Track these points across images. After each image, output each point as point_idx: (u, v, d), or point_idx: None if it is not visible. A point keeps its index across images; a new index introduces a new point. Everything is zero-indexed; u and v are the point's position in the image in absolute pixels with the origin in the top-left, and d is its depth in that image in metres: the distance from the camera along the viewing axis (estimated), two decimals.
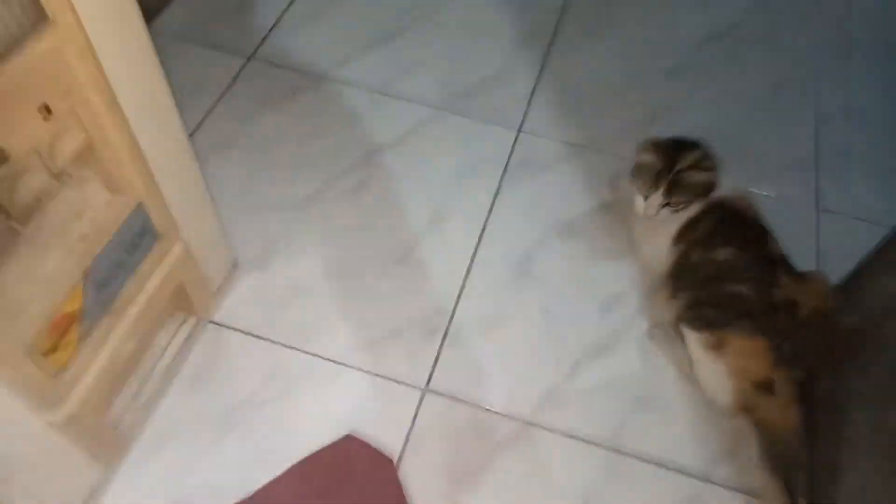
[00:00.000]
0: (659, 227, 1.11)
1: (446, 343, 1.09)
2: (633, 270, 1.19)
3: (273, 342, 1.08)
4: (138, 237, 0.82)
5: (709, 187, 1.08)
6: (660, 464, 1.00)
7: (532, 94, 1.43)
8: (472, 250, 1.20)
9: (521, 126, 1.38)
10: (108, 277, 0.78)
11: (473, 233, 1.22)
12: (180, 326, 1.02)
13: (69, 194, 0.70)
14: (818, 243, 1.25)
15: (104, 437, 0.88)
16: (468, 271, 1.18)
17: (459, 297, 1.15)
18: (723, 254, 1.03)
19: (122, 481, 0.94)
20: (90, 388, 0.80)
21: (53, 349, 0.73)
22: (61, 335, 0.73)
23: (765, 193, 1.28)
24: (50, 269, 0.69)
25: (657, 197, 1.07)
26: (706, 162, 1.07)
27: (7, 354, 0.67)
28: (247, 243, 1.16)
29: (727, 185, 1.10)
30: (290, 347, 1.07)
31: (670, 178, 1.06)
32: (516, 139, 1.36)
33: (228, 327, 1.09)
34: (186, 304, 1.02)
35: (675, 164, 1.07)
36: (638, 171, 1.10)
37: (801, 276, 1.02)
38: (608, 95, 1.43)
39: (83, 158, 0.70)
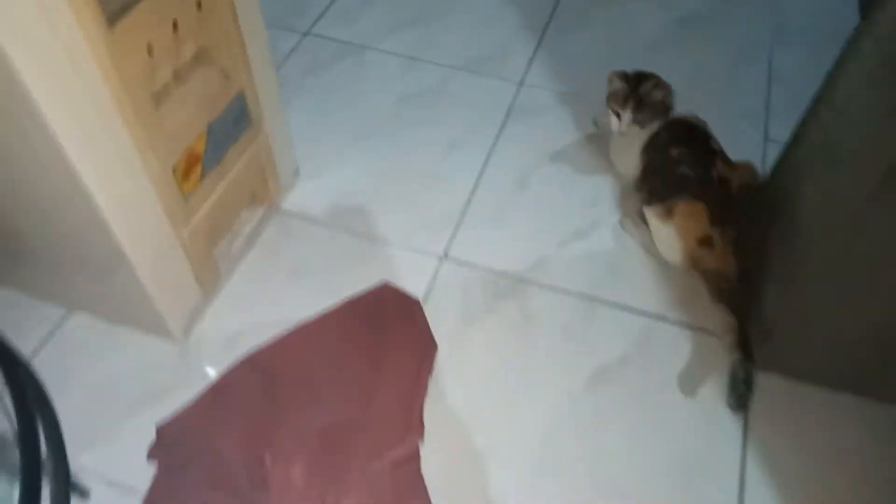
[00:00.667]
0: (630, 144, 1.42)
1: (461, 227, 1.41)
2: (608, 181, 1.50)
3: (327, 225, 1.41)
4: (239, 116, 1.16)
5: (666, 106, 1.39)
6: (624, 308, 1.29)
7: (531, 59, 1.77)
8: (480, 168, 1.52)
9: (522, 81, 1.71)
10: (219, 138, 1.13)
11: (482, 156, 1.55)
12: (258, 209, 1.36)
13: (201, 72, 1.04)
14: (764, 165, 1.54)
15: (208, 265, 1.21)
16: (477, 181, 1.50)
17: (471, 198, 1.46)
18: (675, 151, 1.33)
19: (217, 306, 1.27)
20: (204, 218, 1.14)
21: (186, 176, 1.06)
22: (191, 167, 1.07)
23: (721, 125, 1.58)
24: (190, 115, 1.03)
25: (627, 114, 1.38)
26: (663, 85, 1.39)
27: (161, 171, 1.00)
28: (306, 160, 1.50)
29: (683, 110, 1.41)
30: (341, 230, 1.40)
31: (636, 98, 1.38)
32: (518, 91, 1.69)
33: (293, 214, 1.42)
34: (263, 192, 1.35)
35: (638, 87, 1.39)
36: (611, 95, 1.42)
37: (734, 163, 1.31)
38: (594, 63, 1.75)
39: (204, 55, 1.04)
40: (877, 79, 0.94)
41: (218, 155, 1.14)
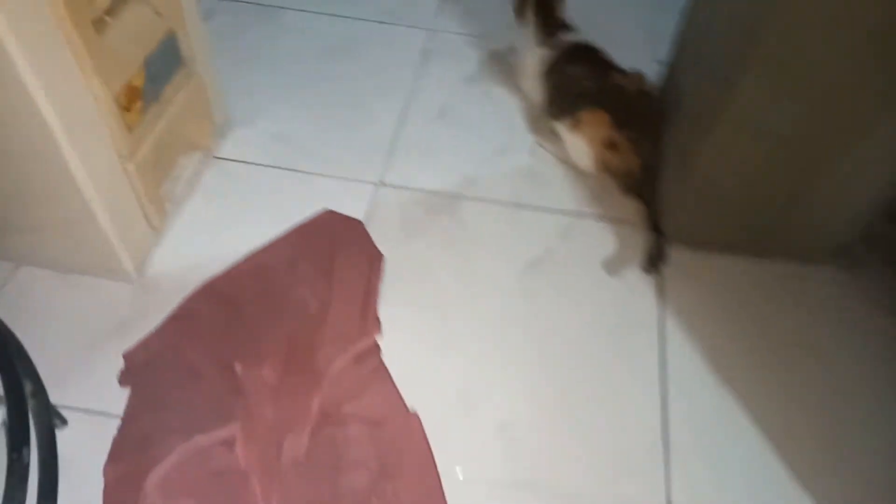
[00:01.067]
0: (534, 70, 1.57)
1: (392, 156, 1.51)
2: (520, 107, 1.64)
3: (265, 166, 1.48)
4: (172, 55, 1.22)
5: (562, 14, 1.54)
6: (546, 209, 1.43)
7: (438, 8, 1.90)
8: (403, 104, 1.63)
9: (432, 27, 1.84)
10: (156, 74, 1.18)
11: (404, 94, 1.66)
12: (196, 154, 1.41)
13: (134, 8, 1.09)
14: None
15: (156, 204, 1.26)
16: (402, 116, 1.60)
17: (398, 130, 1.57)
18: (574, 69, 1.49)
19: (166, 245, 1.32)
20: (148, 152, 1.19)
21: (128, 109, 1.11)
22: (132, 100, 1.12)
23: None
24: (128, 47, 1.08)
25: (531, 20, 1.53)
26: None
27: (105, 98, 1.05)
28: (238, 110, 1.56)
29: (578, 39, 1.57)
30: (279, 169, 1.47)
31: (537, 4, 1.53)
32: (429, 36, 1.81)
33: (230, 159, 1.48)
34: (200, 138, 1.41)
35: None
36: (514, 7, 1.57)
37: (627, 72, 1.48)
38: (494, 6, 1.89)
39: None
40: None
41: (156, 90, 1.19)
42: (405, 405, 1.12)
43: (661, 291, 1.32)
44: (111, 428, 1.08)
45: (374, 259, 1.30)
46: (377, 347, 1.19)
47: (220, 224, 1.37)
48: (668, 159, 1.38)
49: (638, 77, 1.48)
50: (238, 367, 1.12)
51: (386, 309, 1.25)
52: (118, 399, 1.12)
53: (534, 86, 1.58)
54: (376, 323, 1.21)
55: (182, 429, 1.05)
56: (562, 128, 1.47)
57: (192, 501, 0.99)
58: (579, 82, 1.47)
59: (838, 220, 1.30)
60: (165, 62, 1.20)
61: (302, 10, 1.85)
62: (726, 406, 1.17)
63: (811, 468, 1.10)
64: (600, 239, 1.40)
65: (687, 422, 1.15)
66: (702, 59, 1.28)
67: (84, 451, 1.05)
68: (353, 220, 1.38)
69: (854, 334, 1.27)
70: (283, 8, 1.85)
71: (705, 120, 1.21)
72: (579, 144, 1.44)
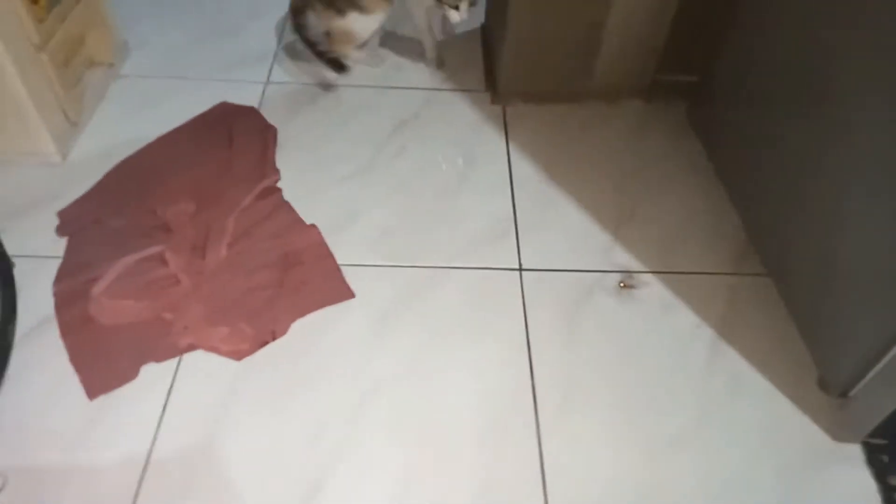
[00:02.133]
0: None
1: (275, 61, 1.79)
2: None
3: (163, 77, 1.71)
4: None
5: None
6: (409, 88, 1.75)
7: None
8: (281, 22, 1.91)
9: None
10: None
11: (280, 12, 1.93)
12: (100, 69, 1.63)
13: None
14: None
15: (70, 100, 1.46)
16: (280, 30, 1.88)
17: (279, 39, 1.85)
18: None
19: (84, 140, 1.53)
20: (58, 47, 1.40)
21: (35, 2, 1.32)
22: None
23: None
24: None
25: None
26: None
27: None
28: (131, 32, 1.78)
29: None
30: (176, 78, 1.71)
31: None
32: None
33: (132, 76, 1.71)
34: (101, 53, 1.63)
35: None
36: None
37: None
38: None
39: None
40: None
41: None
42: (304, 222, 1.38)
43: (505, 133, 1.65)
44: (53, 266, 1.28)
45: (267, 128, 1.56)
46: (278, 189, 1.44)
47: (129, 123, 1.59)
48: (495, 32, 1.72)
49: None
50: (159, 210, 1.35)
51: (282, 164, 1.51)
52: (57, 245, 1.31)
53: None
54: (275, 170, 1.47)
55: (117, 254, 1.27)
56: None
57: (133, 300, 1.21)
58: None
59: (628, 66, 1.67)
60: None
61: None
62: (554, 197, 1.50)
63: (614, 222, 1.45)
64: (453, 104, 1.72)
65: (529, 209, 1.47)
66: None
67: (32, 282, 1.24)
68: (247, 106, 1.63)
69: (646, 145, 1.64)
70: None
71: None
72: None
